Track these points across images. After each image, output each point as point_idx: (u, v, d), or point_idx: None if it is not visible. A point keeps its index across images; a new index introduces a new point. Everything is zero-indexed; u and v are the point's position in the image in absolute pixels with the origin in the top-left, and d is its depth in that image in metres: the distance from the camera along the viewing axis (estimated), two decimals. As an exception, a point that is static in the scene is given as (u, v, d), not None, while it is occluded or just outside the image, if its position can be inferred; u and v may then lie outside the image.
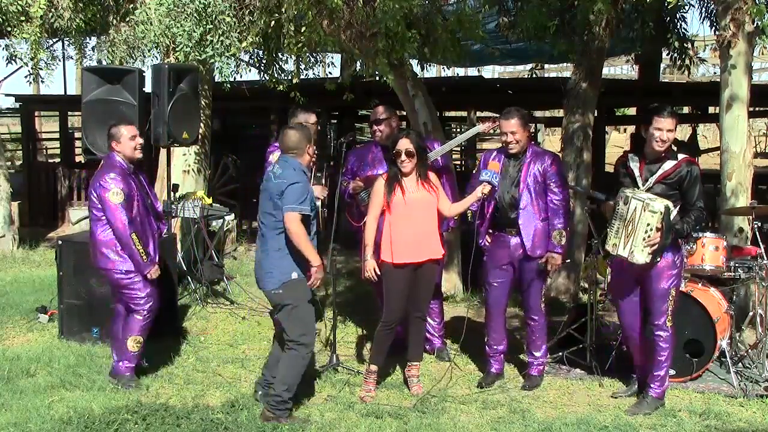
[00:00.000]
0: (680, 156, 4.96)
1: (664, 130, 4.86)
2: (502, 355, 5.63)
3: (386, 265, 5.19)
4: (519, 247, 5.34)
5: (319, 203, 5.68)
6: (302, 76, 8.44)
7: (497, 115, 6.47)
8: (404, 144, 5.18)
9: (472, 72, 18.63)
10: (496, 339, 5.56)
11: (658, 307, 5.00)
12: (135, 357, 5.41)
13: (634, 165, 5.05)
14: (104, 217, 5.26)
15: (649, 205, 4.80)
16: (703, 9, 9.13)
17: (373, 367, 5.32)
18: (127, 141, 5.38)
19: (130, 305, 5.37)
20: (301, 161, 4.87)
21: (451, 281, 7.92)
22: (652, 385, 5.08)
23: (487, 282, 5.53)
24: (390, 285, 5.22)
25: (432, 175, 5.36)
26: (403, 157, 5.17)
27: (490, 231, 5.47)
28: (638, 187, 5.00)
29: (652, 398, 5.07)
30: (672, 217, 4.83)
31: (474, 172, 5.63)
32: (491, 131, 6.37)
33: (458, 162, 16.28)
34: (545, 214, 5.32)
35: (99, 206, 5.26)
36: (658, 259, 4.89)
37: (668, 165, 4.94)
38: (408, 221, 5.16)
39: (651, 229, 4.80)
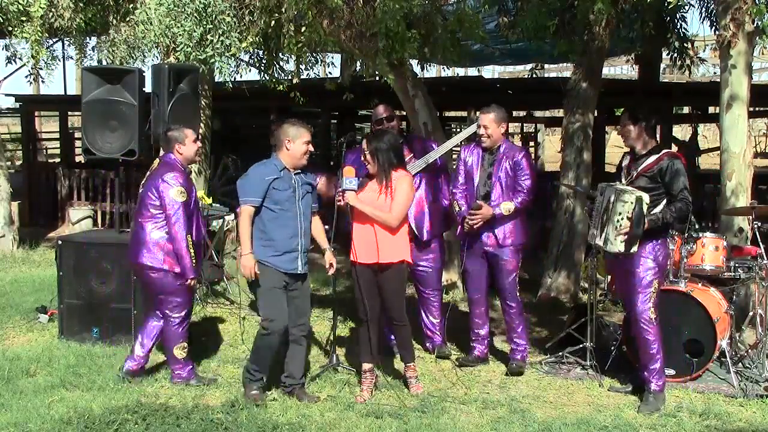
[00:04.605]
0: (663, 150, 5.15)
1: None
2: (485, 340, 5.88)
3: (353, 264, 5.31)
4: (489, 236, 5.60)
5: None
6: (302, 76, 8.45)
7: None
8: (365, 145, 5.24)
9: (472, 72, 18.64)
10: (479, 324, 5.84)
11: (637, 298, 5.08)
12: (187, 361, 5.43)
13: (625, 162, 5.30)
14: (159, 215, 5.20)
15: (622, 195, 4.97)
16: (703, 9, 9.12)
17: (366, 366, 5.33)
18: (191, 144, 5.38)
19: (165, 310, 5.33)
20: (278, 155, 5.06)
21: (451, 281, 7.91)
22: (651, 380, 5.10)
23: (465, 270, 5.78)
24: (356, 283, 5.32)
25: (394, 180, 5.14)
26: (368, 157, 5.20)
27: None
28: (621, 181, 5.20)
29: (655, 393, 5.08)
30: (647, 210, 4.92)
31: (455, 165, 5.80)
32: None
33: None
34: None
35: (157, 204, 5.19)
36: (635, 249, 4.97)
37: (650, 159, 5.13)
38: (363, 222, 5.21)
39: (622, 218, 4.93)
